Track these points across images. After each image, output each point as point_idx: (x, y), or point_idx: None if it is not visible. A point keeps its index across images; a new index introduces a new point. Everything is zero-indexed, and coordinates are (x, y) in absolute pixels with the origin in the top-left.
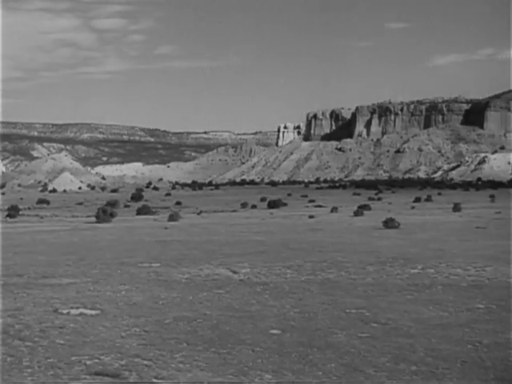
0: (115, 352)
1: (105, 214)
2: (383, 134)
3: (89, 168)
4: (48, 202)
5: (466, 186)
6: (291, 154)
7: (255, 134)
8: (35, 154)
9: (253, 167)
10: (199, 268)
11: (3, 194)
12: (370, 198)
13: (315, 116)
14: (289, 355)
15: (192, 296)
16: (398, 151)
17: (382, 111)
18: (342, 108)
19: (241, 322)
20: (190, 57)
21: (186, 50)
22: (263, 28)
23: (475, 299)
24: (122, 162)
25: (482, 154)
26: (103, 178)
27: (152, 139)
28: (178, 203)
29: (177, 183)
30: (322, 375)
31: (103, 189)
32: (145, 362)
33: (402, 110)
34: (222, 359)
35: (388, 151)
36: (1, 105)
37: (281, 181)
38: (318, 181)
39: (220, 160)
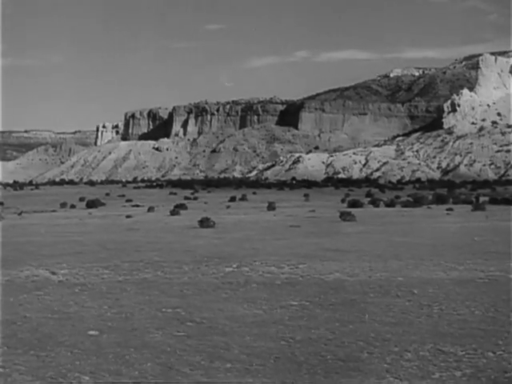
0: None
1: None
2: (199, 133)
3: None
4: None
5: (280, 185)
6: (109, 153)
7: (74, 133)
8: None
9: (72, 167)
10: (19, 269)
11: None
12: (186, 198)
13: (133, 115)
14: (106, 356)
15: (12, 298)
16: (213, 151)
17: (199, 111)
18: (160, 108)
19: (60, 323)
20: (13, 54)
21: (8, 47)
22: (83, 27)
23: (289, 296)
24: None
25: (297, 154)
26: None
27: None
28: (0, 203)
29: None
30: (139, 375)
31: None
32: None
33: (218, 110)
34: (41, 362)
35: (204, 151)
36: None
37: (99, 180)
38: (135, 180)
39: (40, 159)
